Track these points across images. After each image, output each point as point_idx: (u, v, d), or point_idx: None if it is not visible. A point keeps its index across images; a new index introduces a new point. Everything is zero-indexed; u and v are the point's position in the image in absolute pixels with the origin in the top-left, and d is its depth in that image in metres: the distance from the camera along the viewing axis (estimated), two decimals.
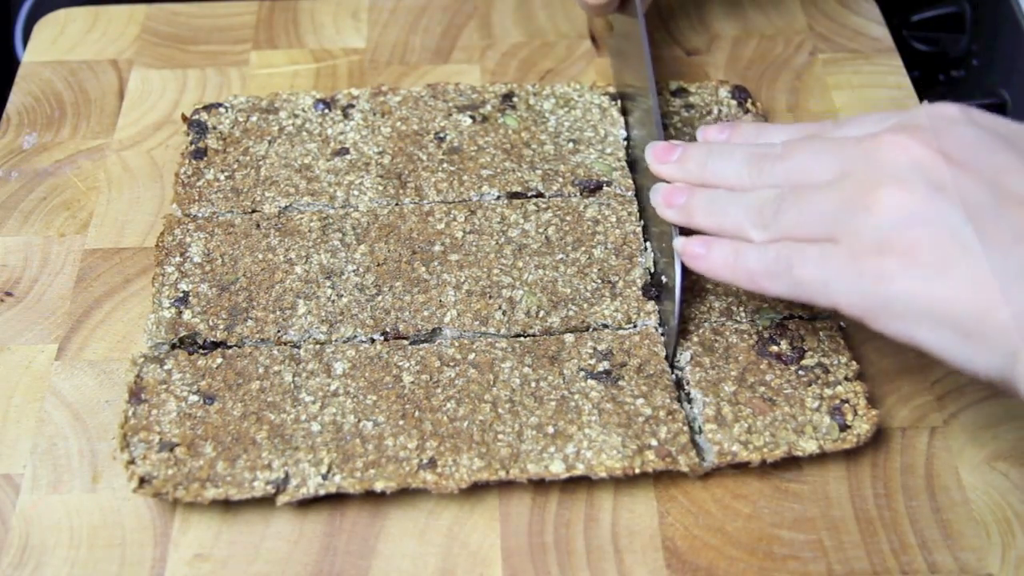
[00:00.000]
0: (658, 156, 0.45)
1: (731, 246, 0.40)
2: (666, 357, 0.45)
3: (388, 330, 0.46)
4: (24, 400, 0.45)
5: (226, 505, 0.41)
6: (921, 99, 0.58)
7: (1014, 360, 0.33)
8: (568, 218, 0.50)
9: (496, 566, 0.40)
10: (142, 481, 0.40)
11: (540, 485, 0.42)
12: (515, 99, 0.56)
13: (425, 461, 0.41)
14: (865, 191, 0.36)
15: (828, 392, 0.44)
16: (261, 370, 0.44)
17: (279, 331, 0.46)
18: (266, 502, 0.41)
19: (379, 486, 0.40)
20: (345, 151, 0.53)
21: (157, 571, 0.40)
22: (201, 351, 0.45)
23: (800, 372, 0.44)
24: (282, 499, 0.40)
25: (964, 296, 0.34)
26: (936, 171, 0.35)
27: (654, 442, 0.42)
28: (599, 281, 0.48)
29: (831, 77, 0.59)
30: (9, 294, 0.49)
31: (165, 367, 0.44)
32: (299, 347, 0.45)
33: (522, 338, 0.46)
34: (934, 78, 0.62)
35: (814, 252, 0.38)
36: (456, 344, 0.45)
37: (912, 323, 0.35)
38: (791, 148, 0.41)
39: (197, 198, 0.51)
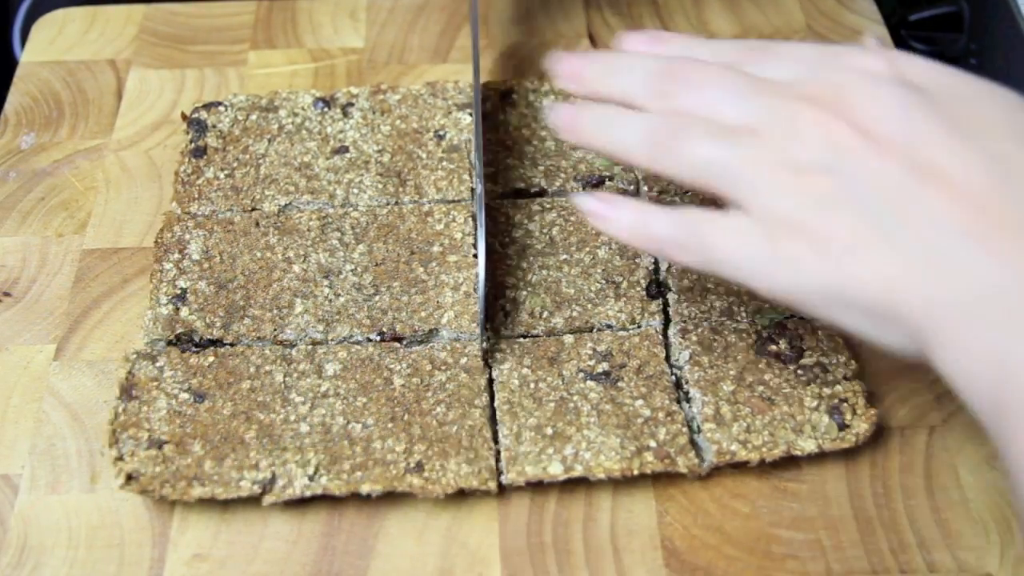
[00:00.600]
0: (560, 68, 0.40)
1: (639, 210, 0.38)
2: (666, 358, 0.45)
3: (385, 330, 0.46)
4: (22, 400, 0.45)
5: (224, 505, 0.41)
6: None
7: (925, 341, 0.33)
8: (572, 218, 0.50)
9: (495, 566, 0.40)
10: (129, 478, 0.40)
11: (539, 485, 0.42)
12: (514, 96, 0.56)
13: (412, 465, 0.41)
14: (777, 168, 0.34)
15: (827, 391, 0.44)
16: (253, 369, 0.44)
17: (276, 330, 0.46)
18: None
19: (365, 489, 0.40)
20: (345, 149, 0.53)
21: (155, 571, 0.40)
22: (195, 348, 0.45)
23: (799, 371, 0.44)
24: (268, 499, 0.40)
25: (874, 281, 0.33)
26: (852, 153, 0.34)
27: (653, 443, 0.42)
28: (603, 282, 0.48)
29: None
30: (7, 294, 0.49)
31: (157, 364, 0.44)
32: (294, 346, 0.45)
33: (523, 339, 0.46)
34: None
35: (727, 224, 0.35)
36: (448, 348, 0.45)
37: (829, 307, 0.34)
38: (705, 77, 0.37)
39: (197, 196, 0.51)
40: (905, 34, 0.64)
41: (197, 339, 0.45)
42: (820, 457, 0.43)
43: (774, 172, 0.35)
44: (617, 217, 0.38)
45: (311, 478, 0.41)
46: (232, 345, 0.45)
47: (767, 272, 0.35)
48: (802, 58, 0.37)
